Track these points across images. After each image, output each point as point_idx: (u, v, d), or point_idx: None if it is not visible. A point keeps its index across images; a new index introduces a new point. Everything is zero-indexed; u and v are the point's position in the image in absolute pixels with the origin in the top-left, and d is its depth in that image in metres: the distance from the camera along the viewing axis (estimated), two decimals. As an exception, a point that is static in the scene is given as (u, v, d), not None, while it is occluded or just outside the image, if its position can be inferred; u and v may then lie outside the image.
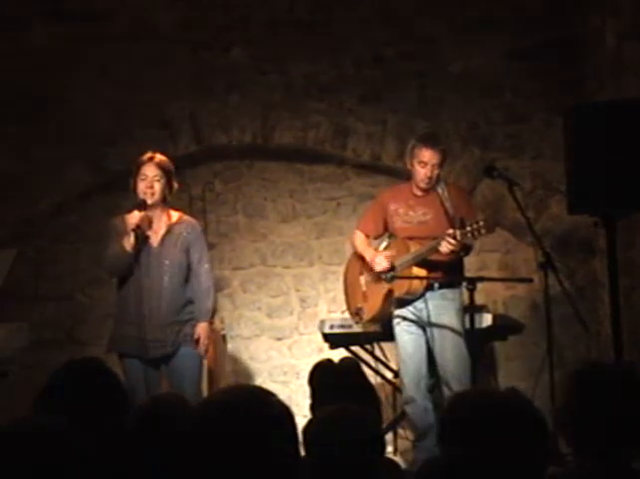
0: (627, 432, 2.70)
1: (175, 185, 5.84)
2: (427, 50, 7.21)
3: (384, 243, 6.22)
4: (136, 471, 2.74)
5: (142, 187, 5.74)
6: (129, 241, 5.66)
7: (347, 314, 6.45)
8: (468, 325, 5.90)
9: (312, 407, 3.69)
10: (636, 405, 2.73)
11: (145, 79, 7.12)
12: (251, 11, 7.23)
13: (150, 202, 5.73)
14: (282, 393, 6.75)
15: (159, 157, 5.81)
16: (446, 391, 5.94)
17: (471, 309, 5.81)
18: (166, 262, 5.75)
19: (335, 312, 7.21)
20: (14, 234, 7.04)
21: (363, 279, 6.23)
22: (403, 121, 7.20)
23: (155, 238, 5.80)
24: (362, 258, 6.22)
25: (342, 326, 6.60)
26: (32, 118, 7.04)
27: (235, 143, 7.29)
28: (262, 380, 7.31)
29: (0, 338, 5.86)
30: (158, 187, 5.74)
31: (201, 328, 5.75)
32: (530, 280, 6.15)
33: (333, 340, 6.68)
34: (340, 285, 6.57)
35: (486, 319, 6.48)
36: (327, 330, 6.65)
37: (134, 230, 5.66)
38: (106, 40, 7.07)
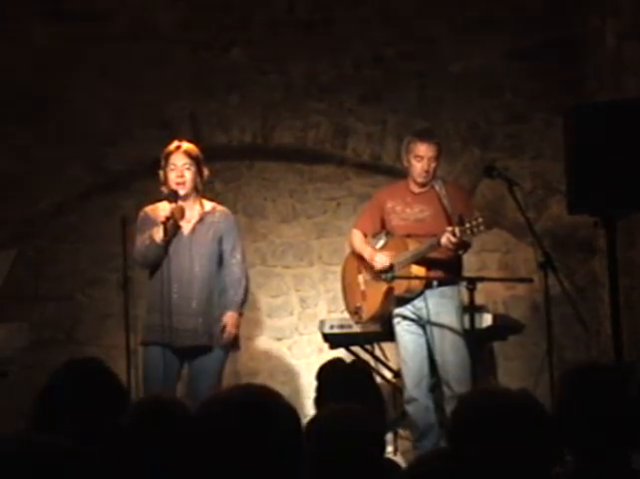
0: (622, 432, 2.70)
1: (206, 172, 5.80)
2: (427, 50, 7.21)
3: (381, 241, 6.21)
4: (135, 470, 2.74)
5: (172, 177, 5.70)
6: (158, 233, 5.63)
7: (346, 314, 6.46)
8: (467, 325, 5.90)
9: (317, 401, 3.70)
10: (630, 405, 2.73)
11: (145, 79, 7.12)
12: (251, 11, 7.23)
13: (182, 192, 5.69)
14: (282, 393, 6.74)
15: (186, 145, 5.78)
16: (446, 391, 5.95)
17: (471, 309, 5.81)
18: (198, 251, 5.71)
19: (335, 312, 7.21)
20: (14, 234, 7.04)
21: (361, 278, 6.23)
22: (403, 121, 7.20)
23: (187, 226, 5.76)
24: (360, 257, 6.22)
25: (342, 326, 6.59)
26: (32, 118, 7.04)
27: (235, 143, 7.29)
28: (262, 380, 7.30)
29: (0, 338, 5.86)
30: (189, 175, 5.71)
31: (229, 317, 5.71)
32: (530, 280, 6.15)
33: (333, 340, 6.68)
34: (340, 285, 6.57)
35: (486, 319, 6.48)
36: (327, 330, 6.65)
37: (163, 222, 5.61)
38: (106, 40, 7.07)
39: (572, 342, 7.00)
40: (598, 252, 6.88)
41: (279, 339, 7.47)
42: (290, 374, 7.42)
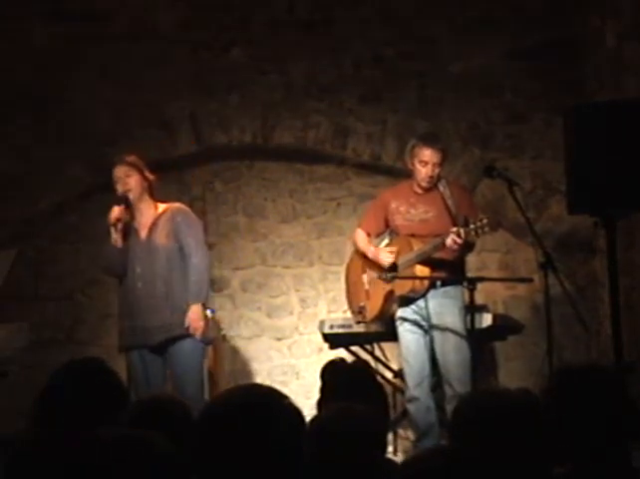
0: (622, 431, 2.70)
1: (150, 176, 5.90)
2: (427, 50, 7.21)
3: (385, 241, 6.22)
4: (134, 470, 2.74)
5: (118, 188, 5.87)
6: (112, 236, 5.81)
7: (348, 314, 6.46)
8: (468, 325, 5.90)
9: (319, 403, 3.70)
10: (627, 404, 2.73)
11: (145, 79, 7.12)
12: (251, 11, 7.23)
13: (130, 196, 5.83)
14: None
15: (126, 157, 5.92)
16: (447, 390, 5.95)
17: (471, 309, 5.82)
18: (156, 251, 5.83)
19: (335, 312, 7.21)
20: (14, 234, 7.04)
21: (366, 278, 6.23)
22: (403, 121, 7.20)
23: (143, 231, 5.88)
24: (364, 257, 6.22)
25: (342, 326, 6.59)
26: (32, 118, 7.04)
27: (235, 143, 7.28)
28: (262, 380, 7.30)
29: (0, 338, 5.86)
30: (131, 182, 5.84)
31: (191, 311, 5.74)
32: (530, 280, 6.14)
33: (333, 340, 6.68)
34: (340, 285, 6.57)
35: (486, 319, 6.48)
36: (327, 330, 6.65)
37: (113, 224, 5.79)
38: (106, 40, 7.07)
39: (572, 342, 7.00)
40: (598, 253, 6.88)
41: (279, 339, 7.47)
42: (290, 374, 7.42)
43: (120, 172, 5.87)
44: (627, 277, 6.25)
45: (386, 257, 6.07)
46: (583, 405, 2.72)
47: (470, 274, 6.12)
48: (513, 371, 7.16)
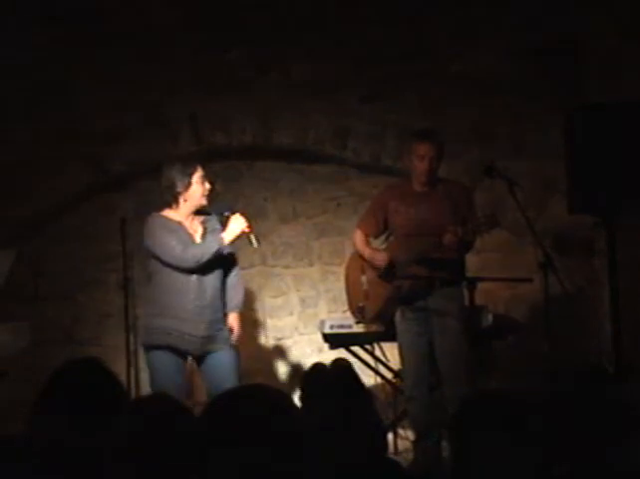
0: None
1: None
2: (427, 50, 7.22)
3: (385, 243, 6.23)
4: (133, 470, 2.74)
5: (202, 191, 5.77)
6: (252, 242, 5.79)
7: (348, 314, 6.46)
8: (468, 325, 5.90)
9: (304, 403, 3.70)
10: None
11: (145, 79, 7.12)
12: (251, 11, 7.23)
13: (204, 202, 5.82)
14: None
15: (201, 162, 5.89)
16: (447, 390, 5.95)
17: (471, 309, 5.82)
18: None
19: (335, 312, 7.21)
20: (14, 234, 7.04)
21: (364, 278, 6.23)
22: (403, 121, 7.20)
23: (197, 236, 5.82)
24: (362, 257, 6.23)
25: (342, 326, 6.59)
26: (32, 118, 7.05)
27: (235, 143, 7.29)
28: (262, 380, 7.30)
29: (0, 338, 5.86)
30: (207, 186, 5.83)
31: (234, 319, 5.87)
32: (530, 280, 6.14)
33: (333, 340, 6.68)
34: (340, 285, 6.57)
35: (486, 319, 6.48)
36: (327, 330, 6.65)
37: (246, 232, 5.77)
38: (105, 40, 7.07)
39: (572, 342, 7.00)
40: (598, 252, 6.89)
41: (279, 339, 7.47)
42: (290, 374, 7.42)
43: (200, 173, 5.78)
44: (627, 277, 6.25)
45: (380, 260, 6.06)
46: (584, 405, 2.72)
47: (469, 274, 6.12)
48: (513, 371, 7.16)
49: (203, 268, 5.71)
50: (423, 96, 7.24)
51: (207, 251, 5.71)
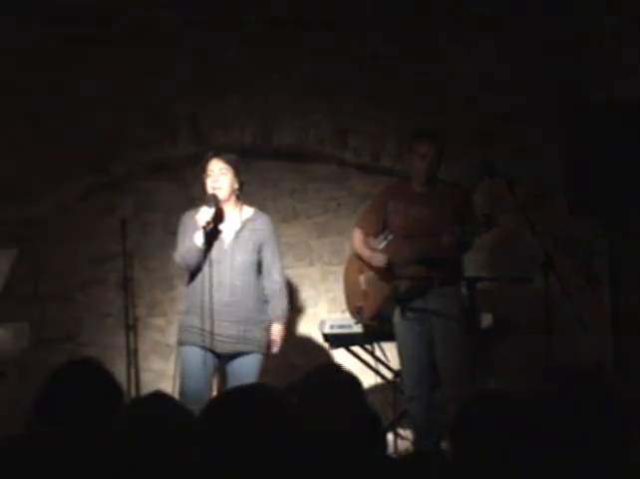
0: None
1: (241, 180, 5.85)
2: (427, 50, 7.21)
3: (384, 242, 6.23)
4: (131, 469, 2.75)
5: (208, 183, 5.76)
6: (199, 238, 5.67)
7: (347, 314, 6.46)
8: (467, 325, 5.90)
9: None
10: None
11: (145, 79, 7.11)
12: (251, 11, 7.22)
13: (221, 196, 5.74)
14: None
15: (223, 153, 5.84)
16: (447, 391, 5.95)
17: (470, 309, 5.82)
18: (238, 259, 5.77)
19: (335, 312, 7.20)
20: (14, 234, 7.03)
21: (363, 278, 6.24)
22: (403, 121, 7.19)
23: (228, 233, 5.81)
24: (361, 257, 6.23)
25: (342, 326, 6.60)
26: (32, 118, 7.04)
27: (235, 143, 7.28)
28: (261, 380, 7.29)
29: (0, 338, 5.86)
30: (225, 180, 5.74)
31: (277, 330, 5.84)
32: (530, 280, 6.14)
33: (333, 340, 6.68)
34: (340, 285, 6.57)
35: (487, 319, 6.48)
36: (327, 330, 6.65)
37: (204, 227, 5.66)
38: (106, 40, 7.06)
39: (572, 342, 7.00)
40: (598, 253, 6.88)
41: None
42: (290, 374, 7.41)
43: (215, 166, 5.77)
44: (627, 278, 6.25)
45: (379, 261, 6.06)
46: (584, 405, 2.72)
47: (469, 275, 6.12)
48: (513, 371, 7.15)
49: (193, 267, 5.72)
50: (423, 96, 7.24)
51: (185, 248, 5.73)
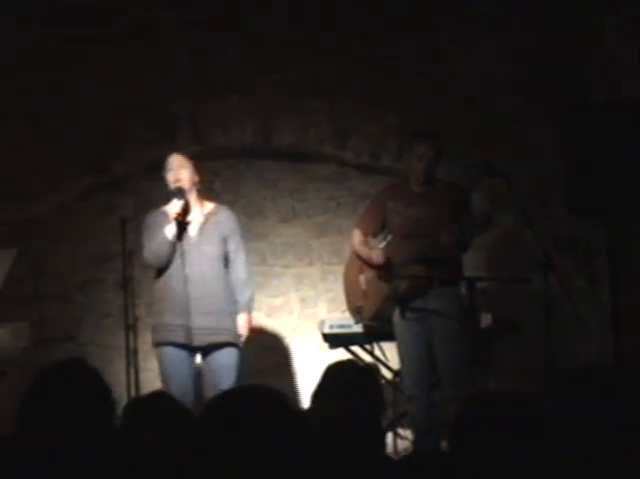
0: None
1: (200, 175, 5.97)
2: (427, 50, 7.22)
3: (383, 242, 6.23)
4: (131, 470, 2.74)
5: (170, 178, 5.87)
6: (171, 231, 5.76)
7: (347, 314, 6.46)
8: (467, 325, 5.90)
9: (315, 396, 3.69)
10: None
11: (145, 79, 7.12)
12: (251, 11, 7.23)
13: (185, 187, 5.84)
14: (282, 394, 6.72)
15: (180, 152, 6.04)
16: (446, 390, 5.95)
17: (470, 309, 5.82)
18: (206, 251, 5.85)
19: (335, 312, 7.20)
20: (14, 234, 7.04)
21: (363, 278, 6.24)
22: (403, 121, 7.20)
23: (193, 227, 5.89)
24: (360, 257, 6.23)
25: (342, 326, 6.60)
26: (32, 118, 7.05)
27: (235, 143, 7.29)
28: (261, 380, 7.28)
29: (0, 338, 5.86)
30: (185, 174, 5.85)
31: (242, 320, 5.89)
32: (530, 280, 6.15)
33: (333, 340, 6.68)
34: (340, 285, 6.57)
35: (486, 319, 6.48)
36: (327, 330, 6.66)
37: (176, 219, 5.76)
38: (106, 40, 7.07)
39: (572, 342, 7.00)
40: (598, 253, 6.88)
41: (279, 339, 7.47)
42: (290, 374, 7.42)
43: (174, 161, 5.89)
44: (627, 278, 6.25)
45: (377, 259, 6.07)
46: (584, 405, 2.72)
47: (468, 274, 6.12)
48: (513, 371, 7.15)
49: (166, 261, 5.78)
50: (423, 96, 7.24)
51: (156, 243, 5.82)
